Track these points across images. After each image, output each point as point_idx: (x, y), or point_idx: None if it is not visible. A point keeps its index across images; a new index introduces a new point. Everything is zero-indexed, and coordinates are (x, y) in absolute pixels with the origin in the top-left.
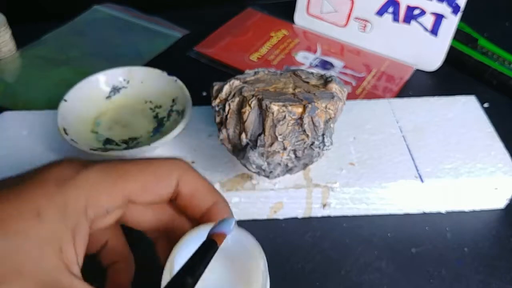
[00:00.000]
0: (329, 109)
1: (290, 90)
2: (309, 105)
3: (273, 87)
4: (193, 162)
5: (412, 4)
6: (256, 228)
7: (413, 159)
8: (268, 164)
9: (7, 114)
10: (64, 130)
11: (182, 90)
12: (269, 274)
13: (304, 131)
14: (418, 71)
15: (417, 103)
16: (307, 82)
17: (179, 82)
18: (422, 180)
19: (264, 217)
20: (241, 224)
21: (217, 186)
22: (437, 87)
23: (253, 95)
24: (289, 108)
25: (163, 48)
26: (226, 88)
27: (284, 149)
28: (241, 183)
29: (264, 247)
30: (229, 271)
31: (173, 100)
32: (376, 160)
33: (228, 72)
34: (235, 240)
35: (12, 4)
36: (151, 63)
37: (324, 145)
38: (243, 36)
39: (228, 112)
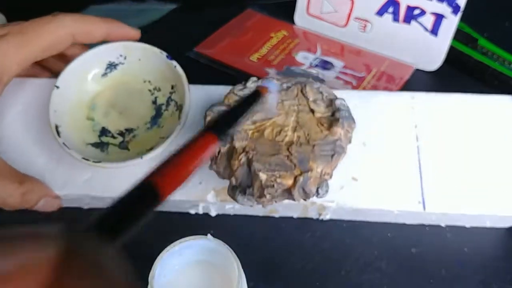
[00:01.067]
0: (324, 174)
1: (289, 133)
2: (301, 178)
3: (271, 124)
4: None
5: (412, 4)
6: (256, 228)
7: (421, 178)
8: (258, 203)
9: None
10: (57, 127)
11: (181, 80)
12: (269, 274)
13: (294, 199)
14: (418, 71)
15: (445, 100)
16: (313, 111)
17: (179, 69)
18: (424, 208)
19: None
20: (241, 223)
21: (211, 193)
22: (437, 87)
23: (243, 149)
24: (278, 180)
25: (157, 18)
26: None
27: (275, 201)
28: None
29: (264, 247)
30: (212, 275)
31: (172, 87)
32: (381, 177)
33: (228, 72)
34: (213, 250)
35: (12, 4)
36: None
37: (318, 194)
38: (243, 36)
39: (218, 154)
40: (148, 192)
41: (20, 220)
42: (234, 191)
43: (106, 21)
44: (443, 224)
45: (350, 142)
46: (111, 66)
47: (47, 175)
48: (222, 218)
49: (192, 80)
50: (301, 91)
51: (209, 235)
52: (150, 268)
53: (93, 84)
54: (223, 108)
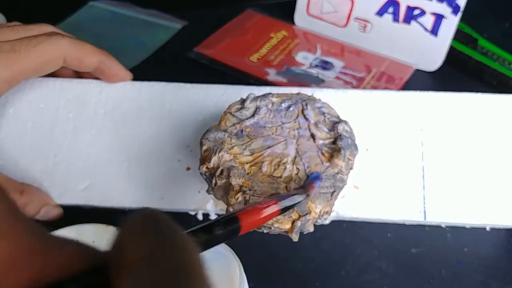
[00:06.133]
0: (323, 214)
1: (288, 167)
2: (298, 223)
3: (269, 154)
4: (188, 169)
5: (412, 4)
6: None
7: (424, 186)
8: (255, 230)
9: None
10: None
11: None
12: (269, 274)
13: (291, 239)
14: (418, 71)
15: (453, 99)
16: (314, 137)
17: None
18: (425, 218)
19: None
20: None
21: (210, 203)
22: (437, 87)
23: (240, 187)
24: (276, 224)
25: (166, 40)
26: (215, 159)
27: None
28: None
29: (264, 247)
30: (212, 276)
31: None
32: (383, 185)
33: (228, 72)
34: (214, 251)
35: (12, 4)
36: (153, 59)
37: (317, 222)
38: (243, 37)
39: (215, 185)
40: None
41: None
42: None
43: (102, 53)
44: (443, 225)
45: (352, 168)
46: None
47: (44, 184)
48: None
49: (192, 80)
50: (302, 112)
51: None
52: None
53: None
54: (219, 134)
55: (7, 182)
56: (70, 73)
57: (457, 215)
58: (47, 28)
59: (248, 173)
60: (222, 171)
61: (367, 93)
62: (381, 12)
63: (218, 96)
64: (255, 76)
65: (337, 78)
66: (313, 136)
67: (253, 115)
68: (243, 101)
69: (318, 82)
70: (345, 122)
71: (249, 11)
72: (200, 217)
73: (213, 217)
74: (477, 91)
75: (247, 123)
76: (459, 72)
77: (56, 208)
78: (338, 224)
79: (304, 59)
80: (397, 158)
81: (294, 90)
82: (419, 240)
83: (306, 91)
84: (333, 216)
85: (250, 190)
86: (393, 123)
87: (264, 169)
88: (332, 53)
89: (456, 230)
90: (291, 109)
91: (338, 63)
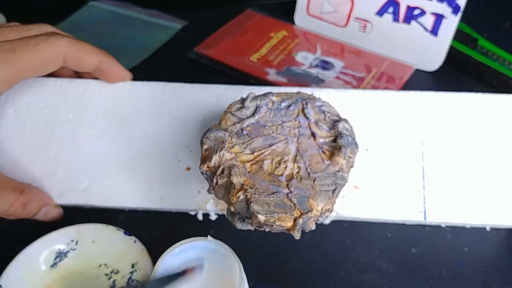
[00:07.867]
0: (325, 211)
1: (289, 165)
2: (300, 220)
3: (270, 153)
4: (188, 169)
5: (412, 4)
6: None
7: (424, 186)
8: (256, 229)
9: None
10: None
11: (143, 254)
12: (269, 274)
13: (292, 239)
14: (418, 71)
15: (453, 99)
16: (314, 136)
17: (139, 244)
18: (425, 218)
19: None
20: None
21: (211, 202)
22: (437, 87)
23: (241, 186)
24: (277, 222)
25: (165, 40)
26: (216, 158)
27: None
28: None
29: (264, 247)
30: (213, 276)
31: (133, 265)
32: (384, 185)
33: (228, 72)
34: (214, 251)
35: (12, 4)
36: (153, 59)
37: (318, 220)
38: (243, 37)
39: (216, 184)
40: None
41: (21, 227)
42: (233, 216)
43: (101, 53)
44: (443, 225)
45: (352, 166)
46: (61, 254)
47: (44, 184)
48: (222, 218)
49: (192, 80)
50: (302, 110)
51: (209, 236)
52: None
53: (40, 278)
54: (220, 133)
55: (7, 182)
56: (70, 73)
57: (457, 215)
58: (47, 28)
59: (249, 172)
60: (223, 170)
61: (367, 93)
62: (381, 12)
63: (218, 96)
64: (255, 76)
65: (337, 78)
66: (313, 134)
67: (253, 114)
68: (243, 101)
69: (318, 82)
70: (345, 120)
71: (249, 11)
72: (200, 217)
73: (213, 217)
74: (477, 91)
75: (248, 122)
76: (459, 72)
77: (56, 208)
78: (338, 224)
79: (304, 59)
80: (397, 158)
81: (294, 90)
82: (419, 240)
83: (306, 91)
84: (333, 216)
85: (251, 188)
86: (393, 123)
87: (265, 167)
88: (332, 53)
89: (456, 230)
90: (291, 108)
91: (338, 63)
